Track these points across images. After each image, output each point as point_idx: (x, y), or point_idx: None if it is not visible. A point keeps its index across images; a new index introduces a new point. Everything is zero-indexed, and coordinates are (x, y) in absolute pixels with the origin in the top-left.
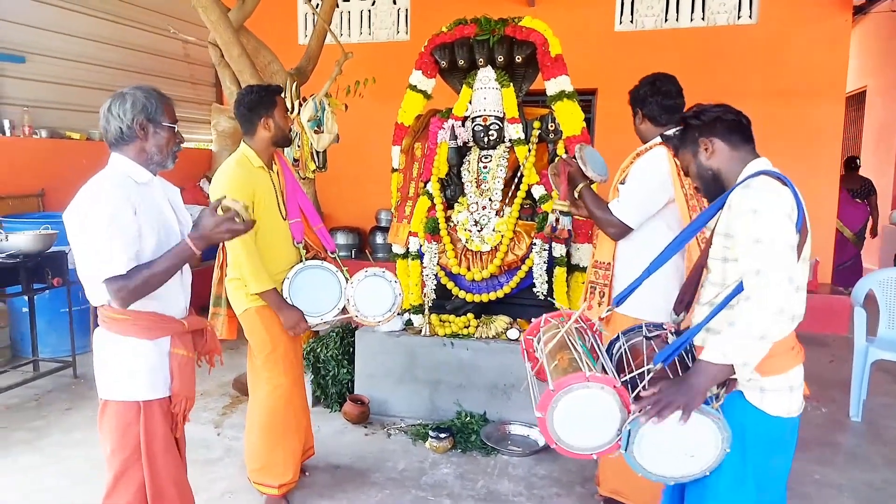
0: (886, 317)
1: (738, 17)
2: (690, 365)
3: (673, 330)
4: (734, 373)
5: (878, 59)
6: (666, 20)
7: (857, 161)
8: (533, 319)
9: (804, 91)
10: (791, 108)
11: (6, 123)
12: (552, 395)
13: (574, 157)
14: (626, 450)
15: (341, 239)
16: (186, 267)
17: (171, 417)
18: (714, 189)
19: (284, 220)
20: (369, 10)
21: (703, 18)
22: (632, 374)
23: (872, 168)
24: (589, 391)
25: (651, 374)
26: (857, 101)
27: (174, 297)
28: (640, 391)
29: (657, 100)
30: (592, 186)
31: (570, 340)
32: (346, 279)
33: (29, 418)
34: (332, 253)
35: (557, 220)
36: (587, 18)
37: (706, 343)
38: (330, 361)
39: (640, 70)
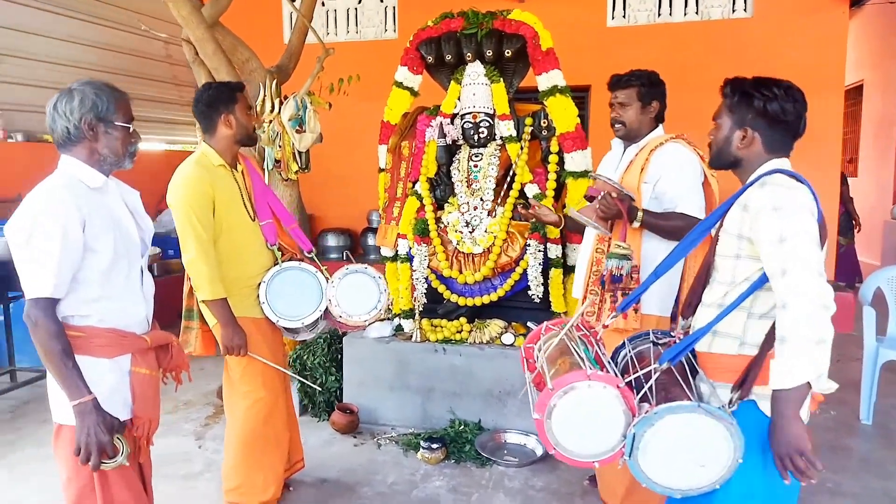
0: None
1: (733, 11)
2: (697, 368)
3: (681, 336)
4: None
5: (875, 52)
6: (659, 14)
7: None
8: (529, 324)
9: (802, 86)
10: None
11: None
12: (551, 395)
13: (608, 194)
14: (629, 456)
15: (332, 241)
16: (148, 277)
17: (132, 442)
18: (721, 164)
19: (253, 221)
20: (356, 8)
21: (696, 12)
22: (636, 375)
23: (871, 162)
24: (591, 391)
25: (657, 374)
26: (854, 95)
27: (134, 310)
28: (645, 392)
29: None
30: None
31: (572, 346)
32: (327, 279)
33: (2, 430)
34: (308, 253)
35: (620, 267)
36: (579, 13)
37: (772, 374)
38: (317, 369)
39: (633, 65)
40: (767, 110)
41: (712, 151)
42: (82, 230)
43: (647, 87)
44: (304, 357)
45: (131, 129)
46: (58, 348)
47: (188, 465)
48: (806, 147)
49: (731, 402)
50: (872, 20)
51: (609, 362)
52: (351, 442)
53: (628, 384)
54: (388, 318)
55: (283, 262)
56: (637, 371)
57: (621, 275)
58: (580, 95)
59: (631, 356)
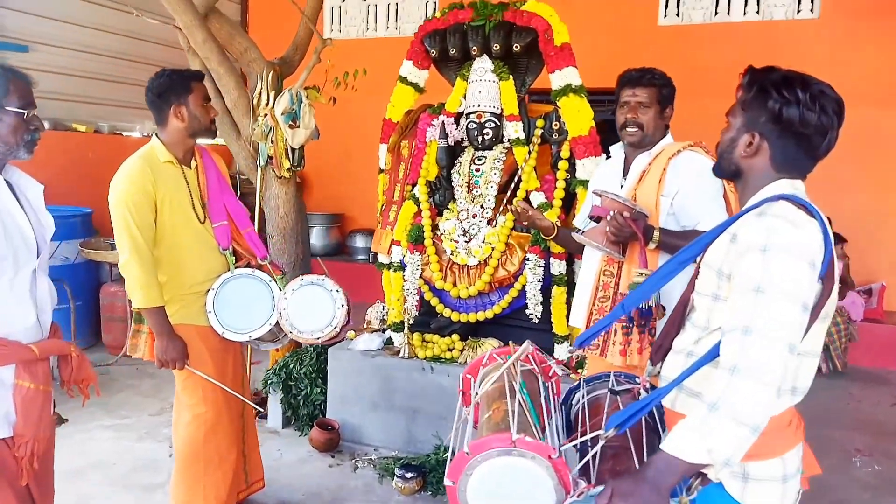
0: None
1: (798, 12)
2: (658, 427)
3: (647, 385)
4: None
5: None
6: (716, 13)
7: None
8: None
9: (872, 95)
10: (857, 113)
11: None
12: (466, 460)
13: (619, 213)
14: None
15: (360, 242)
16: (42, 279)
17: (14, 463)
18: (724, 172)
19: (203, 223)
20: (397, 3)
21: (757, 12)
22: (582, 439)
23: None
24: (513, 459)
25: (603, 442)
26: None
27: (19, 316)
28: (587, 462)
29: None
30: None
31: (511, 386)
32: (281, 289)
33: None
34: (262, 260)
35: (648, 300)
36: (628, 11)
37: (673, 431)
38: (303, 380)
39: (685, 68)
40: (782, 115)
41: (716, 154)
42: None
43: (667, 89)
44: (291, 366)
45: (27, 115)
46: None
47: (153, 475)
48: (873, 163)
49: (689, 488)
50: None
51: (555, 412)
52: (327, 462)
53: (575, 448)
54: (380, 330)
55: (235, 268)
56: (585, 427)
57: (650, 307)
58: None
59: (584, 404)
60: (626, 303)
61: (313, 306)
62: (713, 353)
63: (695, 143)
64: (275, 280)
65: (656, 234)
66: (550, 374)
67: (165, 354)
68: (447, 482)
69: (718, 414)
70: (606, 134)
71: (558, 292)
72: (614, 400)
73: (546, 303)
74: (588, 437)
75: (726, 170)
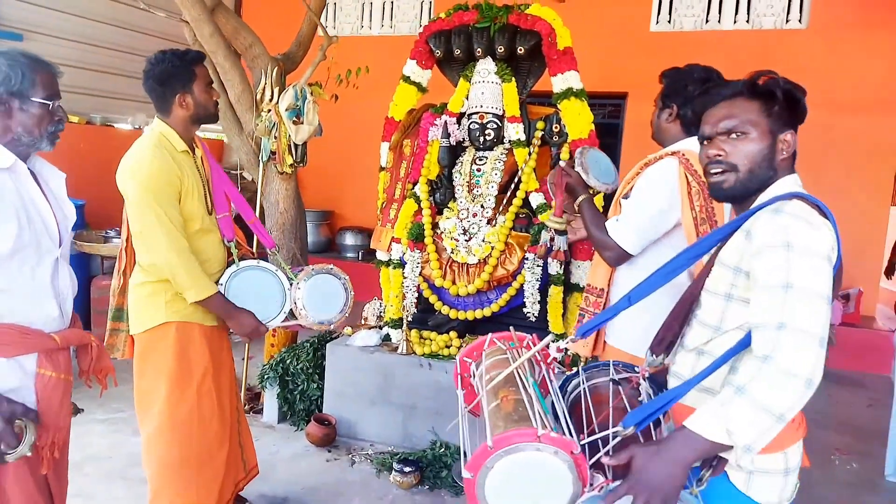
0: None
1: (787, 21)
2: (661, 420)
3: (646, 375)
4: (726, 450)
5: None
6: (707, 21)
7: None
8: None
9: (858, 103)
10: (842, 120)
11: None
12: (488, 454)
13: (574, 165)
14: None
15: (349, 239)
16: (64, 268)
17: (34, 452)
18: (747, 189)
19: (210, 214)
20: (391, 2)
21: (747, 21)
22: (601, 435)
23: None
24: (538, 455)
25: (619, 438)
26: None
27: (41, 304)
28: (601, 457)
29: (704, 101)
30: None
31: (519, 374)
32: (290, 279)
33: None
34: (271, 250)
35: (552, 238)
36: (621, 17)
37: (697, 410)
38: (300, 374)
39: None
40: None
41: (738, 186)
42: None
43: (669, 88)
44: (288, 361)
45: (52, 107)
46: None
47: None
48: (859, 169)
49: (700, 479)
50: None
51: (557, 396)
52: (324, 456)
53: (583, 446)
54: (378, 327)
55: (239, 260)
56: (591, 414)
57: (550, 247)
58: (616, 103)
59: (585, 391)
60: (632, 295)
61: (325, 294)
62: (731, 354)
63: (681, 153)
64: (283, 269)
65: (582, 198)
66: (549, 362)
67: (244, 330)
68: (466, 474)
69: (743, 398)
70: (603, 137)
71: (555, 291)
72: (616, 390)
73: (543, 302)
74: (608, 432)
75: (761, 181)
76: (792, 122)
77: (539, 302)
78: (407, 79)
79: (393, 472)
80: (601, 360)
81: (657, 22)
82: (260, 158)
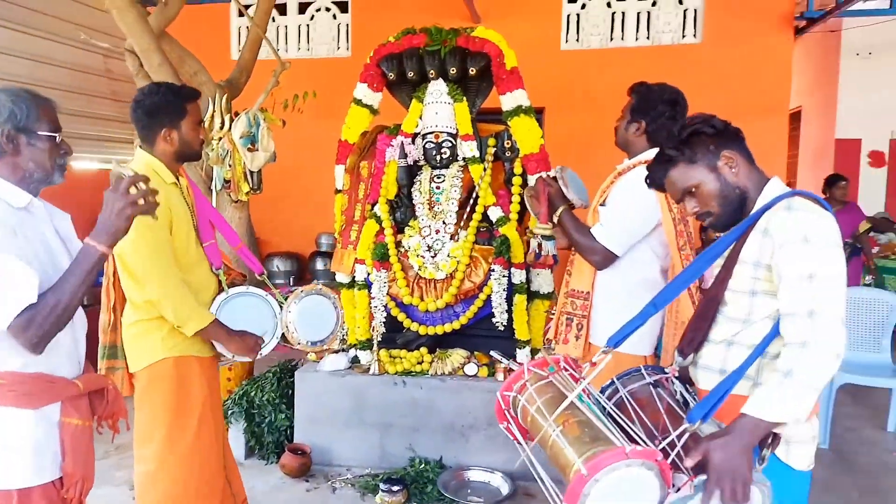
0: (850, 338)
1: (683, 37)
2: (690, 404)
3: (676, 374)
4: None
5: (812, 79)
6: (611, 39)
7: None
8: (493, 353)
9: (749, 109)
10: (736, 125)
11: None
12: (585, 481)
13: (553, 178)
14: None
15: (279, 265)
16: (80, 314)
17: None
18: (734, 214)
19: (197, 245)
20: (308, 25)
21: (647, 38)
22: (676, 434)
23: (808, 187)
24: (629, 470)
25: (686, 435)
26: (793, 121)
27: (65, 350)
28: (674, 458)
29: (671, 123)
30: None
31: (576, 402)
32: (280, 303)
33: None
34: (259, 275)
35: (540, 245)
36: (533, 36)
37: (752, 397)
38: (266, 406)
39: (587, 89)
40: (712, 125)
41: (718, 213)
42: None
43: (638, 103)
44: (252, 394)
45: (58, 139)
46: (53, 301)
47: None
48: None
49: (762, 458)
50: (811, 48)
51: (613, 409)
52: (302, 487)
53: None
54: (344, 350)
55: (228, 287)
56: (643, 418)
57: (539, 253)
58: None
59: (627, 398)
60: (657, 300)
61: (316, 315)
62: (768, 340)
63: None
64: (272, 293)
65: (561, 209)
66: (583, 376)
67: (247, 347)
68: None
69: (793, 380)
70: None
71: (520, 300)
72: (658, 393)
73: (509, 310)
74: (678, 431)
75: (734, 202)
76: (721, 143)
77: (507, 311)
78: (359, 102)
79: (380, 492)
80: (598, 362)
81: (566, 41)
82: (213, 188)
